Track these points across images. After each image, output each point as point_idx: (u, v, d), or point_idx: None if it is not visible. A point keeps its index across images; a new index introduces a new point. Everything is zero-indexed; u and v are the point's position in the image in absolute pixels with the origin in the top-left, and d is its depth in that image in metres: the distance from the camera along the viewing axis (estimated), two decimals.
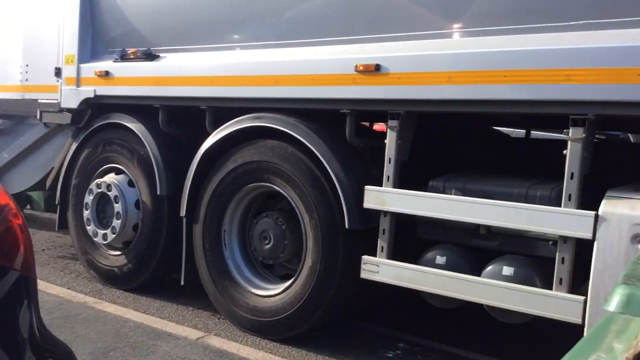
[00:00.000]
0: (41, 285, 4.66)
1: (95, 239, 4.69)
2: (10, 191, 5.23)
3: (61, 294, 4.48)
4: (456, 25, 3.05)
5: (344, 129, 3.42)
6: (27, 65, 5.14)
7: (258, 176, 3.75)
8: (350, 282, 3.39)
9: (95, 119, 4.76)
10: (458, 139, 3.94)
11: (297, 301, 3.50)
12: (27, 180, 5.66)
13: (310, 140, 3.45)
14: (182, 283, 4.19)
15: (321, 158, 3.39)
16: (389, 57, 3.15)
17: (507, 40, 2.82)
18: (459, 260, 3.06)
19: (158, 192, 4.26)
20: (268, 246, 3.78)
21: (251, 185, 3.81)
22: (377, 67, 3.16)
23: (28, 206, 6.58)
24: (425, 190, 3.17)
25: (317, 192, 3.44)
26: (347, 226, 3.30)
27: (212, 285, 3.96)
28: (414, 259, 3.18)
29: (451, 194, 3.08)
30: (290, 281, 3.63)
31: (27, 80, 5.15)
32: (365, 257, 3.27)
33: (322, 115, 3.58)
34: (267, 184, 3.71)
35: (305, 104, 3.54)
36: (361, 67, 3.21)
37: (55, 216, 5.19)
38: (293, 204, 3.59)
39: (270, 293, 3.72)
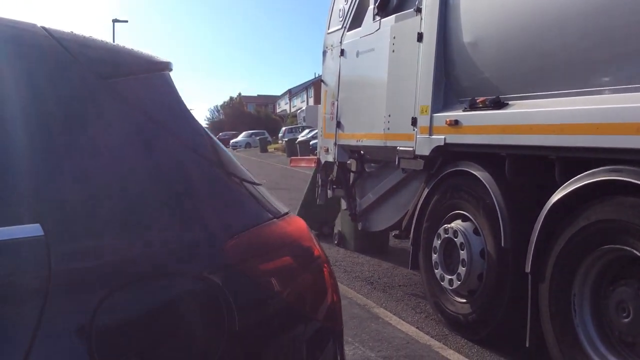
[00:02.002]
0: (394, 320, 5.01)
1: (442, 283, 4.80)
2: (371, 229, 5.83)
3: (410, 332, 4.69)
4: None
5: None
6: (389, 116, 5.64)
7: (615, 237, 3.26)
8: None
9: (445, 166, 4.90)
10: None
11: None
12: (387, 220, 6.20)
13: None
14: (527, 344, 3.92)
15: None
16: None
17: None
18: None
19: (502, 244, 4.11)
20: (627, 320, 3.25)
21: (607, 246, 3.34)
22: None
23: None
24: None
25: None
26: None
27: (559, 353, 3.60)
28: None
29: None
30: None
31: (388, 129, 5.64)
32: None
33: None
34: (626, 247, 3.20)
35: None
36: None
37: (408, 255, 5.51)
38: None
39: None
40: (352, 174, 7.02)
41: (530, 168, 4.11)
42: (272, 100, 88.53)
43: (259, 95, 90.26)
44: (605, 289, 3.45)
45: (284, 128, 47.14)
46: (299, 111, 55.82)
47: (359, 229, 6.92)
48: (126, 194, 1.19)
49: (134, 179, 1.21)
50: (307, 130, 36.47)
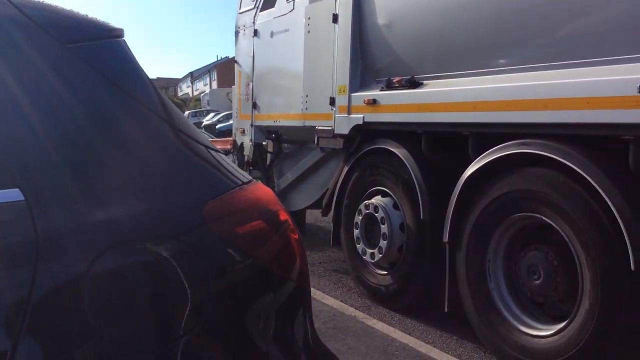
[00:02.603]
0: (318, 295, 5.15)
1: (364, 257, 4.98)
2: (290, 208, 5.92)
3: (335, 306, 4.85)
4: None
5: (626, 157, 3.02)
6: (306, 96, 5.70)
7: (525, 206, 3.54)
8: (635, 332, 2.97)
9: (364, 144, 5.05)
10: None
11: (573, 347, 3.21)
12: (306, 199, 6.29)
13: (587, 170, 3.13)
14: (445, 310, 4.17)
15: (600, 190, 3.05)
16: None
17: None
18: None
19: (421, 217, 4.33)
20: (537, 282, 3.55)
21: (517, 215, 3.62)
22: None
23: None
24: None
25: (595, 229, 3.10)
26: (632, 268, 2.90)
27: (476, 316, 3.87)
28: None
29: None
30: (564, 323, 3.34)
31: (306, 109, 5.71)
32: None
33: (598, 143, 3.22)
34: (536, 215, 3.48)
35: (578, 129, 3.22)
36: None
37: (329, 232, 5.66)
38: (566, 238, 3.30)
39: (540, 333, 3.48)
40: (269, 155, 7.05)
41: (446, 144, 4.34)
42: (173, 83, 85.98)
43: (158, 78, 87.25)
44: (517, 254, 3.74)
45: (187, 112, 46.03)
46: (202, 94, 54.66)
47: None
48: (99, 159, 1.21)
49: (105, 145, 1.23)
50: (212, 114, 35.90)
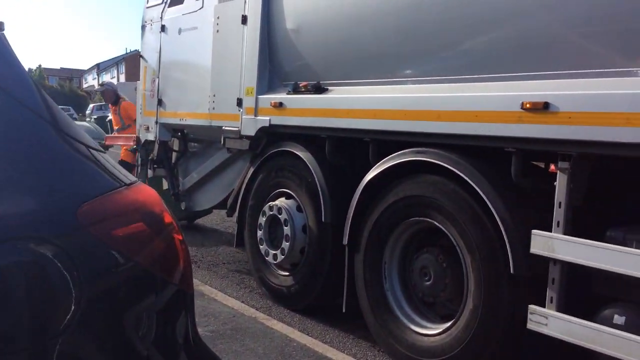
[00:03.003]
0: (219, 296, 5.12)
1: (267, 258, 5.02)
2: (195, 208, 5.85)
3: (235, 307, 4.85)
4: (636, 64, 2.73)
5: (509, 168, 3.25)
6: (214, 96, 5.66)
7: (419, 211, 3.72)
8: (516, 331, 3.21)
9: (270, 147, 5.09)
10: (633, 186, 3.52)
11: (458, 345, 3.41)
12: (211, 199, 6.25)
13: (473, 178, 3.34)
14: (343, 310, 4.30)
15: (485, 197, 3.27)
16: (558, 95, 2.94)
17: None
18: None
19: (323, 219, 4.43)
20: (428, 283, 3.74)
21: (412, 219, 3.80)
22: (546, 105, 2.96)
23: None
24: (602, 241, 2.89)
25: (480, 233, 3.32)
26: (512, 271, 3.14)
27: (371, 316, 4.01)
28: (587, 314, 2.92)
29: (632, 247, 2.77)
30: (451, 322, 3.54)
31: (213, 108, 5.67)
32: (532, 307, 3.07)
33: (486, 153, 3.45)
34: (428, 219, 3.67)
35: (467, 140, 3.43)
36: (528, 105, 3.04)
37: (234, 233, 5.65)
38: (454, 241, 3.50)
39: (429, 332, 3.67)
40: (174, 153, 6.93)
41: (348, 149, 4.47)
42: (78, 74, 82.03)
43: (62, 68, 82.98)
44: (411, 256, 3.92)
45: (92, 105, 44.01)
46: (98, 88, 52.43)
47: (182, 208, 6.88)
48: None
49: None
50: None
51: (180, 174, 6.89)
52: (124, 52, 64.57)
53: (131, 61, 53.96)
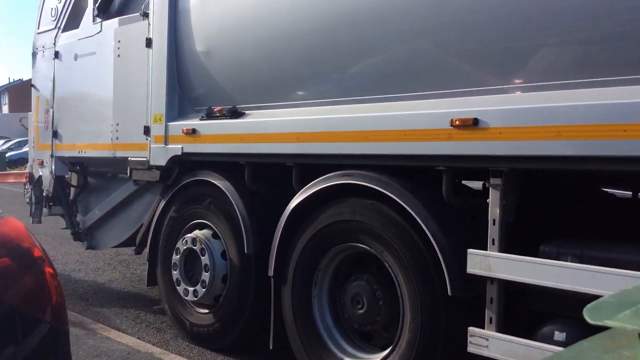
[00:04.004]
0: (112, 333, 4.87)
1: (186, 298, 4.64)
2: (98, 248, 5.39)
3: (130, 343, 4.61)
4: (564, 77, 2.77)
5: (440, 187, 3.19)
6: (117, 124, 5.27)
7: (348, 236, 3.57)
8: (457, 355, 3.10)
9: (183, 177, 4.78)
10: (561, 200, 3.60)
11: None
12: (116, 237, 5.77)
13: (405, 199, 3.24)
14: (271, 347, 4.03)
15: (417, 218, 3.17)
16: (487, 110, 2.91)
17: (627, 91, 2.53)
18: (580, 337, 2.71)
19: (245, 251, 4.17)
20: (361, 311, 3.57)
21: (341, 245, 3.64)
22: (475, 122, 2.93)
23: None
24: (535, 256, 2.87)
25: (414, 256, 3.21)
26: (449, 293, 3.04)
27: (303, 352, 3.78)
28: (528, 332, 2.87)
29: (567, 261, 2.77)
30: (387, 351, 3.39)
31: (117, 138, 5.27)
32: (472, 329, 2.98)
33: (416, 173, 3.37)
34: (359, 245, 3.53)
35: (397, 160, 3.34)
36: (457, 122, 2.99)
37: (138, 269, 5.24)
38: (387, 266, 3.38)
39: None
40: (72, 189, 6.37)
41: (270, 175, 4.26)
42: None
43: None
44: (341, 285, 3.75)
45: None
46: None
47: (85, 248, 6.31)
48: None
49: None
50: (1, 141, 32.42)
51: (80, 211, 6.33)
52: (7, 82, 60.59)
53: (15, 91, 50.64)
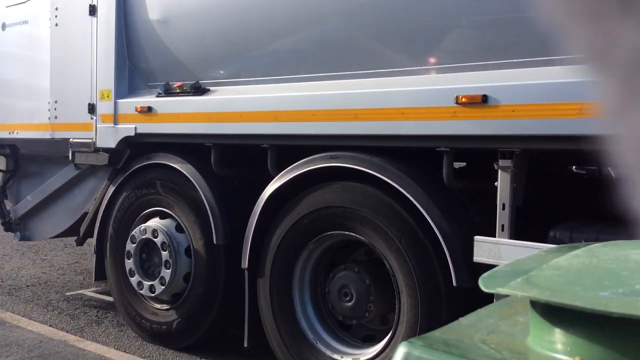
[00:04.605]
0: (22, 322, 4.58)
1: (140, 292, 4.22)
2: (33, 239, 4.85)
3: (42, 332, 4.37)
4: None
5: (439, 170, 2.95)
6: (55, 102, 4.70)
7: (337, 223, 3.28)
8: None
9: (135, 159, 4.31)
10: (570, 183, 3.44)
11: None
12: (55, 226, 5.20)
13: (402, 183, 2.98)
14: (246, 345, 3.70)
15: (417, 204, 2.93)
16: (499, 86, 2.69)
17: None
18: None
19: (215, 241, 3.80)
20: (349, 304, 3.31)
21: (327, 233, 3.34)
22: (484, 99, 2.70)
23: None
24: (546, 242, 2.69)
25: (413, 244, 2.97)
26: (454, 284, 2.83)
27: (282, 348, 3.48)
28: None
29: None
30: (383, 344, 3.15)
31: (56, 117, 4.70)
32: None
33: (411, 154, 3.12)
34: (348, 233, 3.25)
35: (393, 141, 3.08)
36: (464, 99, 2.75)
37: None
38: (382, 256, 3.12)
39: (361, 358, 3.24)
40: (0, 174, 5.70)
41: (238, 158, 3.89)
42: None
43: None
44: (326, 276, 3.47)
45: None
46: None
47: (17, 240, 5.67)
48: None
49: None
50: None
51: (10, 199, 5.68)
52: None
53: None
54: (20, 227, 5.61)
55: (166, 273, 4.04)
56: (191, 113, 3.84)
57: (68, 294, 5.38)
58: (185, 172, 3.96)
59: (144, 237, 4.18)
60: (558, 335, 0.92)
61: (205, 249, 3.90)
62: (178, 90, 3.93)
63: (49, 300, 5.20)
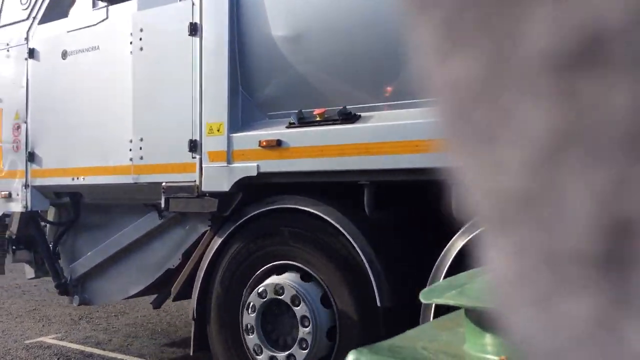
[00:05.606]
0: None
1: None
2: (99, 301, 4.00)
3: None
4: None
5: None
6: (140, 140, 3.97)
7: None
8: None
9: (250, 205, 3.59)
10: None
11: None
12: (128, 286, 4.41)
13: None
14: None
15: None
16: None
17: None
18: None
19: (378, 303, 3.06)
20: None
21: None
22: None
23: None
24: None
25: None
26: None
27: None
28: None
29: None
30: None
31: (141, 158, 3.96)
32: None
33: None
34: None
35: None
36: None
37: None
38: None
39: None
40: (51, 227, 4.90)
41: (394, 197, 3.21)
42: None
43: None
44: None
45: None
46: None
47: (75, 304, 4.81)
48: None
49: None
50: None
51: (63, 257, 4.86)
52: None
53: None
54: (78, 289, 4.77)
55: (305, 332, 3.26)
56: (340, 145, 3.16)
57: (27, 342, 5.18)
58: (329, 219, 3.24)
59: (265, 299, 3.42)
60: (489, 339, 1.11)
61: (360, 313, 3.16)
62: (318, 119, 3.26)
63: (7, 349, 5.01)
